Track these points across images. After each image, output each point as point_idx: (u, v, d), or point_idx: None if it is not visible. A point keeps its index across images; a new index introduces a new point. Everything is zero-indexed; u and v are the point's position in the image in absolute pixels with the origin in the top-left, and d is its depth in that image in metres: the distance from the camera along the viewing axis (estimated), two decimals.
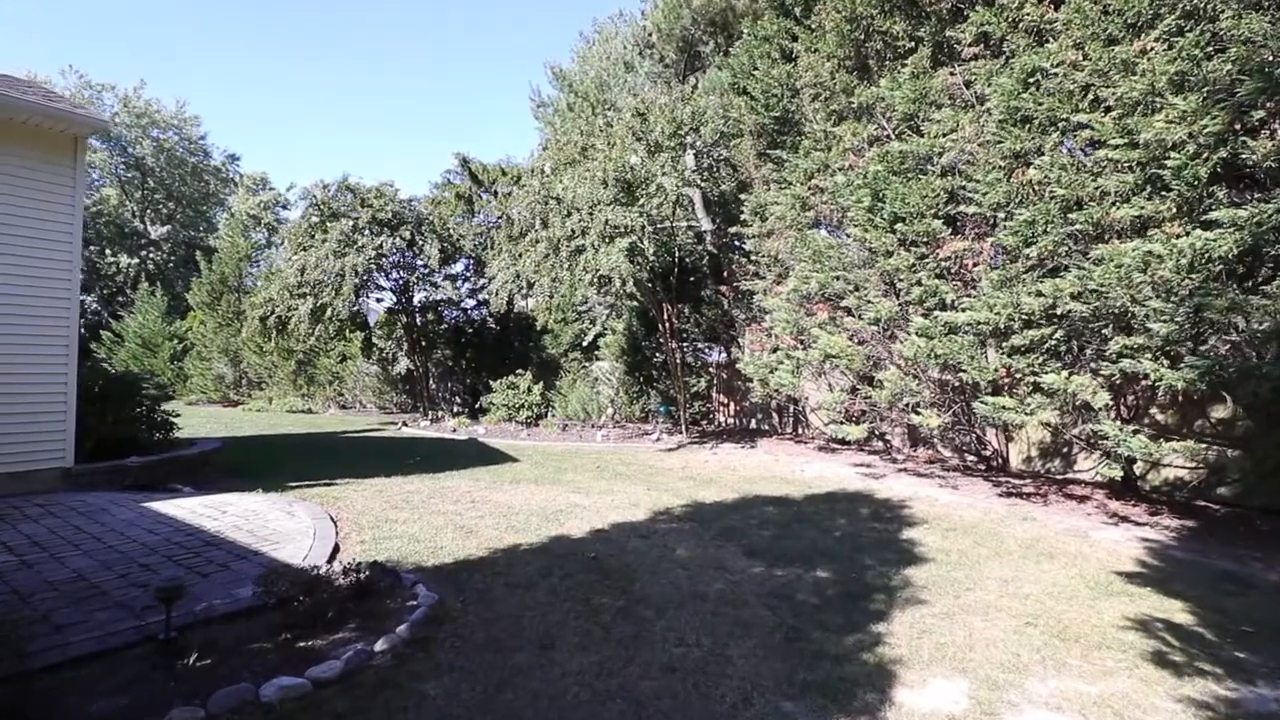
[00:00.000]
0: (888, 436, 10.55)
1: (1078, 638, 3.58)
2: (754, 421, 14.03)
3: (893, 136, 8.70)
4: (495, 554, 4.71)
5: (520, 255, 11.42)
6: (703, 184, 12.62)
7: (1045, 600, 4.14)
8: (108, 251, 38.06)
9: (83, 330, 33.94)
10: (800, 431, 12.87)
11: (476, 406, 16.98)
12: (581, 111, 15.64)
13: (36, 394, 6.55)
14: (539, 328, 17.11)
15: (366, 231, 15.46)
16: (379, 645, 3.18)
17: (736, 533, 5.60)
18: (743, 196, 11.38)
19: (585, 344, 16.37)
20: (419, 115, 71.93)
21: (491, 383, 15.99)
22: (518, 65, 66.25)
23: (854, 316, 8.76)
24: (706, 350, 14.79)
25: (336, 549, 4.75)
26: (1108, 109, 6.10)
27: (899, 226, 7.93)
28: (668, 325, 12.93)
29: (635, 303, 14.46)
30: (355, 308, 15.97)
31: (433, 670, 3.02)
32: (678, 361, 13.37)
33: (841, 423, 9.42)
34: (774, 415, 13.54)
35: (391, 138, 71.55)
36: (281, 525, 5.27)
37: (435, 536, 5.12)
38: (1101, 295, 5.83)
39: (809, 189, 9.58)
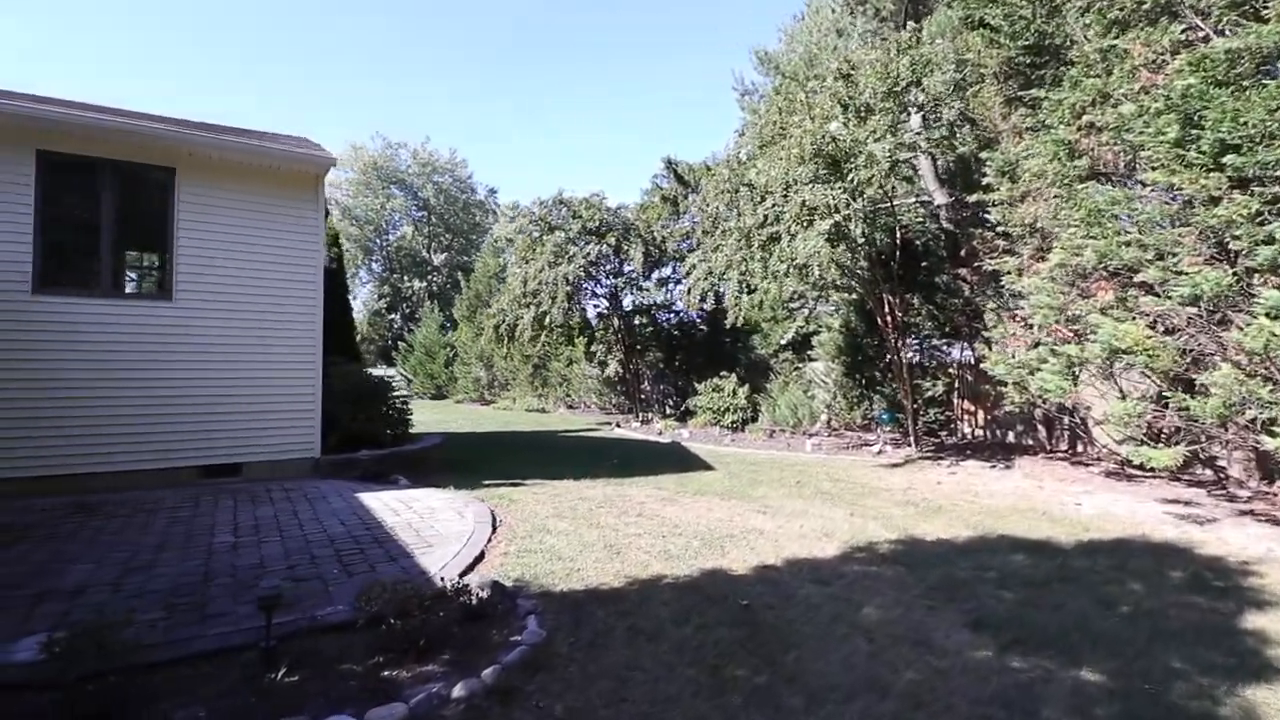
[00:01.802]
0: (1220, 463, 7.55)
1: None
2: (1011, 435, 11.34)
3: (1212, 34, 6.11)
4: (632, 585, 4.03)
5: (716, 249, 10.70)
6: (932, 148, 10.51)
7: None
8: (405, 278, 46.88)
9: (389, 340, 42.29)
10: (1079, 450, 10.00)
11: (684, 409, 16.74)
12: (786, 90, 14.41)
13: (292, 395, 7.70)
14: (744, 326, 16.25)
15: (579, 241, 16.20)
16: (457, 690, 2.70)
17: (961, 590, 4.13)
18: (984, 156, 9.19)
19: (786, 341, 15.07)
20: (632, 120, 75.90)
21: (697, 385, 15.58)
22: (728, 60, 66.09)
23: (1156, 295, 6.33)
24: (944, 348, 12.44)
25: (480, 558, 4.53)
26: None
27: (1229, 160, 5.46)
28: (890, 319, 11.09)
29: (853, 295, 12.77)
30: (574, 314, 16.81)
31: None
32: (904, 361, 11.41)
33: (1142, 442, 6.89)
34: (1039, 428, 10.77)
35: (608, 148, 76.68)
36: (447, 527, 5.28)
37: (579, 555, 4.63)
38: None
39: (1079, 129, 7.25)
